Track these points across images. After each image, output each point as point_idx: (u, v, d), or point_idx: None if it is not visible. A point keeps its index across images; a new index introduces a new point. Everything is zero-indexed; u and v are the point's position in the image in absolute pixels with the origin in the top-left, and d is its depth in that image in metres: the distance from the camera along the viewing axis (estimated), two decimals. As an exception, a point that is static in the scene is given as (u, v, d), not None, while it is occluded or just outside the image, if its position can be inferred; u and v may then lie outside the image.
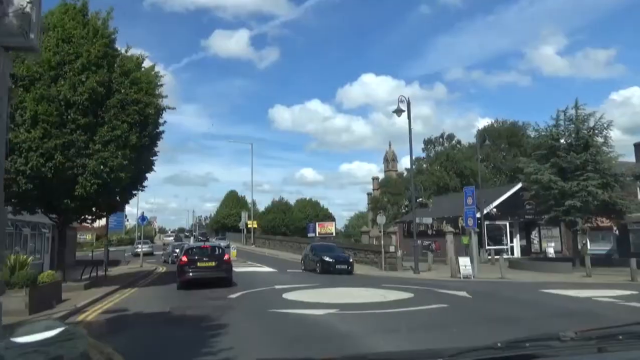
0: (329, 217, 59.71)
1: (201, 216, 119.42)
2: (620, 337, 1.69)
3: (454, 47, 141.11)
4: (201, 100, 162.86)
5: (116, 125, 15.12)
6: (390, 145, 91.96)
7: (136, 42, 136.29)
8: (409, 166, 41.79)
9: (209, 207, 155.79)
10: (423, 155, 53.54)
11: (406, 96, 23.89)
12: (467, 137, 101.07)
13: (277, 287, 15.76)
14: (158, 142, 18.44)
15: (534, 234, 33.38)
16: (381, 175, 79.46)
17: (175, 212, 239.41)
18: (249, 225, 54.47)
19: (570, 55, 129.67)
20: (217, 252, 16.54)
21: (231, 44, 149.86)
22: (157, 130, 17.90)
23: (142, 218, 30.05)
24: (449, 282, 17.96)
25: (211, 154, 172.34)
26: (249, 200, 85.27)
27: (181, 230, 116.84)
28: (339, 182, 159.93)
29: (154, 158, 18.68)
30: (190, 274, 15.38)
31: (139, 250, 42.06)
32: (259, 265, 28.78)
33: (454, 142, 52.34)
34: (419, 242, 25.92)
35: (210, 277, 15.38)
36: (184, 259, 15.80)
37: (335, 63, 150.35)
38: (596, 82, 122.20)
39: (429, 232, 36.52)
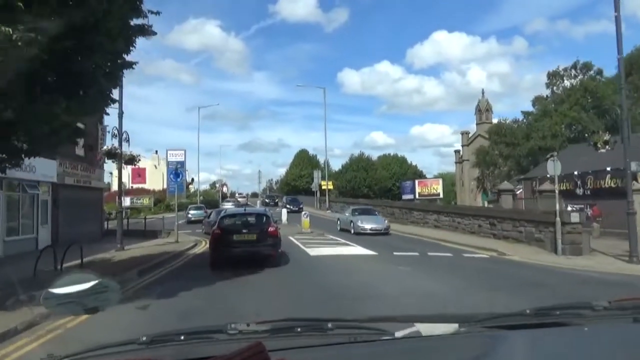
0: (421, 176, 49.20)
1: (272, 179, 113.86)
2: None
3: None
4: (271, 66, 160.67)
5: None
6: (483, 93, 79.02)
7: (207, 11, 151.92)
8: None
9: (281, 172, 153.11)
10: (547, 93, 41.09)
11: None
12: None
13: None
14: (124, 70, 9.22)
15: None
16: (473, 129, 67.53)
17: (249, 177, 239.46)
18: (323, 187, 45.49)
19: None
20: (259, 221, 12.86)
21: (299, 7, 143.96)
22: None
23: (176, 174, 21.60)
24: None
25: (282, 120, 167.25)
26: (321, 161, 77.14)
27: (254, 194, 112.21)
28: (410, 145, 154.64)
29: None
30: (225, 250, 11.98)
31: (191, 216, 34.72)
32: (343, 241, 19.28)
33: (591, 72, 39.15)
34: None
35: (250, 254, 12.00)
36: (217, 230, 12.32)
37: (405, 22, 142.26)
38: None
39: (580, 190, 25.44)
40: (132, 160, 19.01)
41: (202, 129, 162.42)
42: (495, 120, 57.58)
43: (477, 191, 48.74)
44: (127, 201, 51.55)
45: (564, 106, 36.34)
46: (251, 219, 13.09)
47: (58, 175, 18.90)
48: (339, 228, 24.30)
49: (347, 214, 24.39)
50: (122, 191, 21.55)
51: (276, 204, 57.81)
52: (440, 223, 23.81)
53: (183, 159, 57.21)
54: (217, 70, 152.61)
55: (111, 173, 75.01)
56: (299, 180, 68.13)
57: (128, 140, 17.67)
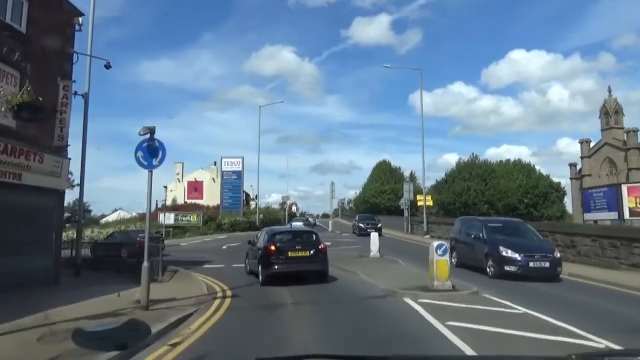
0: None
1: (344, 198, 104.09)
2: None
3: (620, 10, 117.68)
4: (342, 90, 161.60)
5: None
6: (610, 92, 63.61)
7: (282, 38, 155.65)
8: None
9: (352, 194, 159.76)
10: None
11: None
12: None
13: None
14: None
15: None
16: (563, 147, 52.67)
17: (321, 199, 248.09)
18: (419, 202, 33.53)
19: None
20: (311, 239, 13.43)
21: (371, 30, 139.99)
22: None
23: (149, 151, 10.39)
24: None
25: (353, 142, 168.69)
26: (405, 174, 64.81)
27: (324, 215, 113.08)
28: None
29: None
30: (278, 266, 12.13)
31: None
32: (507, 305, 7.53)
33: None
34: None
35: (304, 270, 12.39)
36: (271, 247, 12.29)
37: (480, 42, 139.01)
38: None
39: None
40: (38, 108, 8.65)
41: (275, 151, 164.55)
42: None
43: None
44: (170, 218, 42.65)
45: None
46: (304, 237, 13.76)
47: None
48: (454, 262, 14.77)
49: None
50: (82, 208, 11.26)
51: (314, 224, 52.06)
52: None
53: (240, 168, 47.61)
54: (291, 94, 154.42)
55: (165, 187, 67.90)
56: (380, 197, 56.41)
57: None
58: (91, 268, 16.03)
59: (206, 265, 17.90)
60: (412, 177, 66.38)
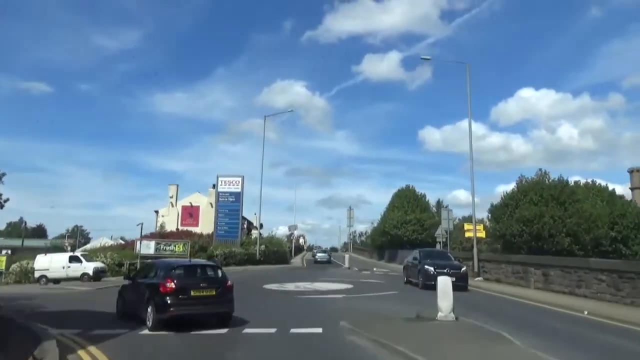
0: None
1: (355, 231, 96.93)
2: None
3: (629, 50, 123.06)
4: (351, 125, 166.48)
5: None
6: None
7: (295, 74, 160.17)
8: None
9: (361, 228, 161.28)
10: None
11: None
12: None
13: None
14: None
15: None
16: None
17: (328, 232, 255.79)
18: (468, 234, 25.47)
19: None
20: (217, 274, 10.90)
21: (382, 67, 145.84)
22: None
23: None
24: None
25: (362, 177, 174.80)
26: (431, 203, 56.67)
27: (333, 249, 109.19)
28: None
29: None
30: (177, 307, 9.75)
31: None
32: None
33: None
34: None
35: (208, 313, 10.31)
36: (169, 283, 9.91)
37: (489, 80, 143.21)
38: None
39: None
40: None
41: (283, 184, 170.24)
42: None
43: None
44: (150, 247, 34.95)
45: None
46: (207, 272, 11.07)
47: None
48: None
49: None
50: None
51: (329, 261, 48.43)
52: None
53: (239, 189, 39.92)
54: (301, 128, 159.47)
55: (157, 212, 60.30)
56: (402, 228, 48.32)
57: None
58: None
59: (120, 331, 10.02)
60: (440, 205, 57.91)
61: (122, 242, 47.63)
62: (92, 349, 8.06)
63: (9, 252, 51.62)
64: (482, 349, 7.80)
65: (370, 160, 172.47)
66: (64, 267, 27.39)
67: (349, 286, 20.24)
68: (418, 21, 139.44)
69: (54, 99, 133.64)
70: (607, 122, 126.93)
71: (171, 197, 53.64)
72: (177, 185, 54.90)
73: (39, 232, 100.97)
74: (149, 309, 9.95)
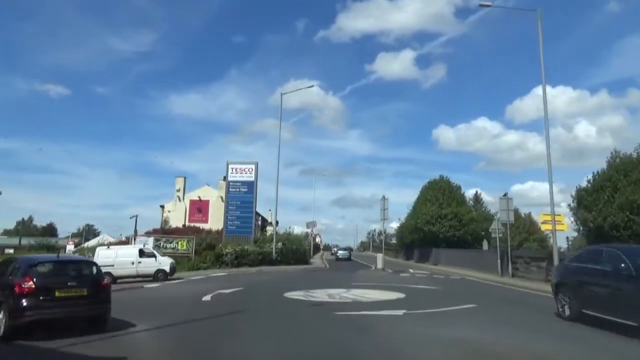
0: None
1: (374, 229, 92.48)
2: None
3: None
4: (364, 124, 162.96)
5: None
6: None
7: (308, 74, 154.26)
8: None
9: (374, 227, 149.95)
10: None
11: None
12: None
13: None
14: None
15: None
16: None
17: (341, 232, 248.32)
18: (544, 227, 19.68)
19: None
20: (90, 271, 9.45)
21: (395, 65, 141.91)
22: None
23: None
24: None
25: (375, 176, 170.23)
26: (467, 195, 50.68)
27: (348, 248, 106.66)
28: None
29: None
30: (35, 311, 8.25)
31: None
32: None
33: None
34: None
35: (77, 316, 8.85)
36: (27, 282, 8.38)
37: (504, 78, 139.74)
38: None
39: None
40: None
41: (297, 184, 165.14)
42: None
43: None
44: (149, 243, 29.80)
45: None
46: (78, 268, 9.50)
47: None
48: None
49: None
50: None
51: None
52: None
53: (253, 178, 34.58)
54: (315, 128, 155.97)
55: (162, 206, 55.41)
56: (438, 224, 42.62)
57: None
58: None
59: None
60: (478, 199, 52.03)
61: (124, 239, 42.99)
62: None
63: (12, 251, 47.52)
64: None
65: (384, 160, 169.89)
66: (133, 263, 21.99)
67: (400, 295, 14.83)
68: (432, 19, 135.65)
69: (71, 101, 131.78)
70: (626, 119, 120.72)
71: (178, 190, 48.69)
72: (185, 178, 49.93)
73: (50, 230, 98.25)
74: (1, 314, 8.43)
